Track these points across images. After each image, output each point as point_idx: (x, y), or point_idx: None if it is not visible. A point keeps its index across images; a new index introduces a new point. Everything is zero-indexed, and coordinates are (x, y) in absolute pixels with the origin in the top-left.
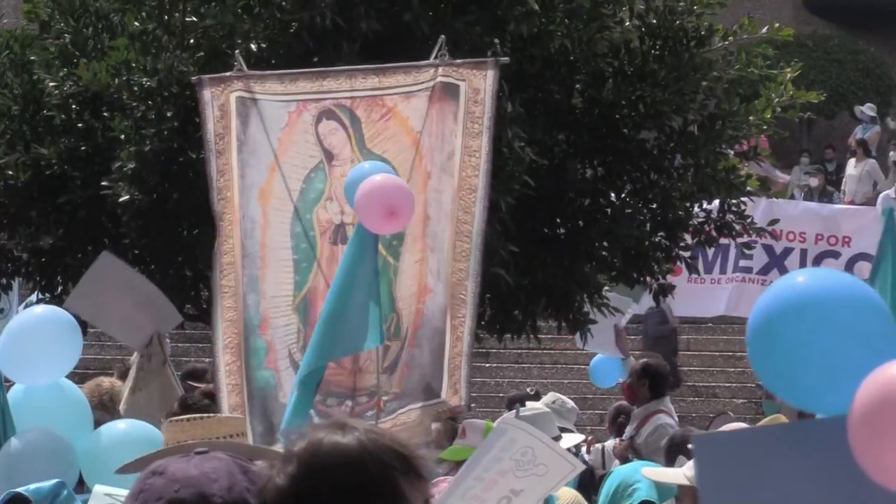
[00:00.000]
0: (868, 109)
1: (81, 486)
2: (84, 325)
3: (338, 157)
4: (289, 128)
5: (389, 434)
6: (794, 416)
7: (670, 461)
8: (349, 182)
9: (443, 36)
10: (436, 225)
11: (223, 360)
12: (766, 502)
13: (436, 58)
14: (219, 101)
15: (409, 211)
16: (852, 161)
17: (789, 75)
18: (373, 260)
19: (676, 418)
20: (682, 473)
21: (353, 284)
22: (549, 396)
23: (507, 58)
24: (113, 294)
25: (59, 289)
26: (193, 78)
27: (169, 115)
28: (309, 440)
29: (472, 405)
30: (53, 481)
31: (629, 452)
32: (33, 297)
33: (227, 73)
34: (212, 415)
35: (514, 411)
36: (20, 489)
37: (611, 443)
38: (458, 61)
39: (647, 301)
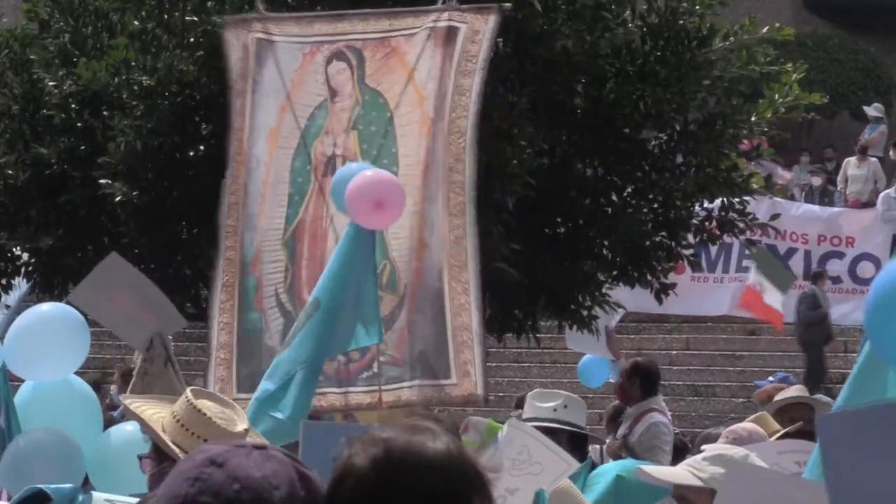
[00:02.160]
0: (874, 110)
1: (86, 486)
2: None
3: (340, 94)
4: (301, 69)
5: (470, 451)
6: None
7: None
8: (336, 182)
9: None
10: (433, 175)
11: (218, 299)
12: (892, 478)
13: (443, 2)
14: (241, 40)
15: (398, 203)
16: (852, 161)
17: (794, 76)
18: (369, 258)
19: (669, 416)
20: (689, 473)
21: (349, 283)
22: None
23: (509, 3)
24: (117, 293)
25: (59, 288)
26: (216, 18)
27: (169, 113)
28: (396, 433)
29: (490, 397)
30: (70, 486)
31: (623, 451)
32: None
33: (248, 15)
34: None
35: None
36: (43, 486)
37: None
38: (463, 6)
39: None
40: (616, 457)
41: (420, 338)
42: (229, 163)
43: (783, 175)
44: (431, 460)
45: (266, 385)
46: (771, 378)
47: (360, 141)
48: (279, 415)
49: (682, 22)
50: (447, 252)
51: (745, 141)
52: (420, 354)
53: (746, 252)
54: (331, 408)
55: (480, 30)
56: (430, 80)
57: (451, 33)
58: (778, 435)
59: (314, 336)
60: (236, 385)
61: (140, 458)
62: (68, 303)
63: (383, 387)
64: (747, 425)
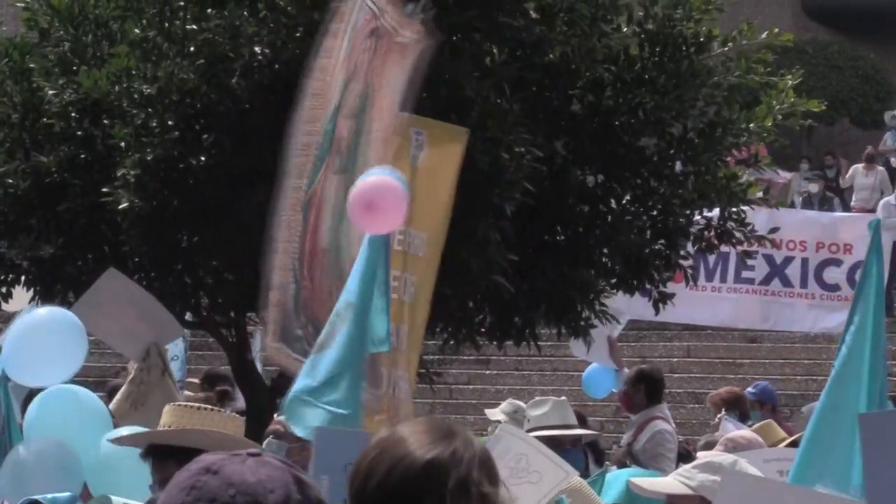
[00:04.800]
0: (893, 119)
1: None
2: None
3: (356, 74)
4: (360, 31)
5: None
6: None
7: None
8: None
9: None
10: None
11: (287, 218)
12: None
13: None
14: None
15: (391, 205)
16: (860, 168)
17: (790, 82)
18: (378, 265)
19: (673, 424)
20: (679, 482)
21: (370, 289)
22: (507, 405)
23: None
24: (115, 307)
25: (59, 297)
26: None
27: (171, 123)
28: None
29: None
30: (67, 494)
31: (627, 459)
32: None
33: None
34: (221, 410)
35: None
36: (38, 497)
37: None
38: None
39: None
40: (621, 464)
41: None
42: (308, 99)
43: (783, 176)
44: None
45: (307, 381)
46: (751, 388)
47: (350, 133)
48: (338, 409)
49: (679, 28)
50: None
51: (744, 148)
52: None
53: (745, 262)
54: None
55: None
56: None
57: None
58: (786, 443)
59: (351, 336)
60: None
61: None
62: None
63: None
64: (746, 433)
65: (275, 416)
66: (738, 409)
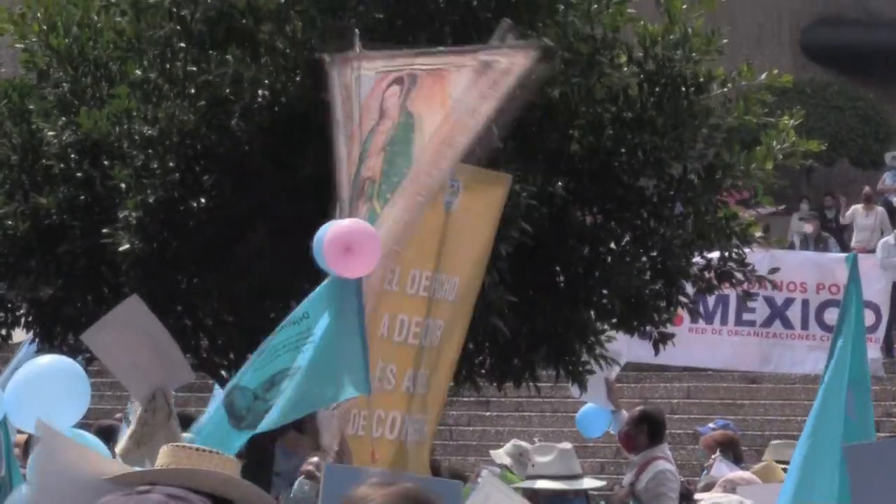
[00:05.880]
0: (892, 160)
1: None
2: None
3: (385, 116)
4: (369, 95)
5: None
6: None
7: None
8: (315, 241)
9: (507, 21)
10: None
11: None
12: None
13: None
14: (343, 79)
15: (369, 249)
16: (860, 209)
17: (791, 122)
18: (354, 308)
19: (674, 464)
20: None
21: (335, 338)
22: (511, 447)
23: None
24: (129, 338)
25: (59, 339)
26: (325, 56)
27: (171, 164)
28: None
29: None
30: None
31: (629, 499)
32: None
33: (350, 53)
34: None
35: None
36: None
37: None
38: (513, 43)
39: None
40: None
41: None
42: (340, 187)
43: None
44: None
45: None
46: (712, 425)
47: (385, 162)
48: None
49: (678, 68)
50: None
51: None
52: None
53: (745, 304)
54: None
55: (514, 63)
56: (462, 109)
57: (489, 66)
58: None
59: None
60: None
61: None
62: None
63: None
64: (745, 475)
65: (308, 458)
66: (732, 451)
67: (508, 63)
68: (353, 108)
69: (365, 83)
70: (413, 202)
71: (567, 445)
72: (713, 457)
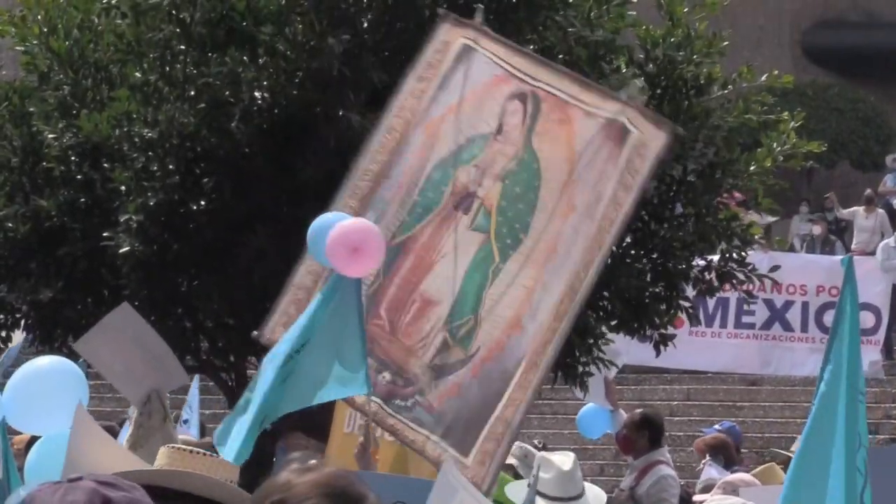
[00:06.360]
0: (894, 162)
1: None
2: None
3: (505, 135)
4: (486, 86)
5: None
6: None
7: None
8: (312, 232)
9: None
10: (559, 265)
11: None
12: None
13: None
14: (447, 36)
15: (376, 250)
16: (860, 211)
17: (792, 124)
18: (353, 306)
19: (674, 468)
20: None
21: (332, 335)
22: (517, 449)
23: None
24: (122, 345)
25: (59, 341)
26: (441, 11)
27: (171, 167)
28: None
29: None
30: None
31: (630, 503)
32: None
33: (467, 20)
34: (214, 455)
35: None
36: None
37: None
38: (646, 109)
39: None
40: None
41: (466, 403)
42: (380, 133)
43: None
44: None
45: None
46: (717, 427)
47: (501, 195)
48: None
49: (679, 71)
50: (534, 346)
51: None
52: (456, 419)
53: (745, 307)
54: (359, 407)
55: (650, 145)
56: (588, 171)
57: (623, 134)
58: None
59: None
60: None
61: None
62: (71, 352)
63: (410, 424)
64: (745, 476)
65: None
66: (724, 454)
67: (640, 139)
68: (440, 64)
69: (477, 62)
70: (563, 308)
71: (568, 463)
72: (703, 461)
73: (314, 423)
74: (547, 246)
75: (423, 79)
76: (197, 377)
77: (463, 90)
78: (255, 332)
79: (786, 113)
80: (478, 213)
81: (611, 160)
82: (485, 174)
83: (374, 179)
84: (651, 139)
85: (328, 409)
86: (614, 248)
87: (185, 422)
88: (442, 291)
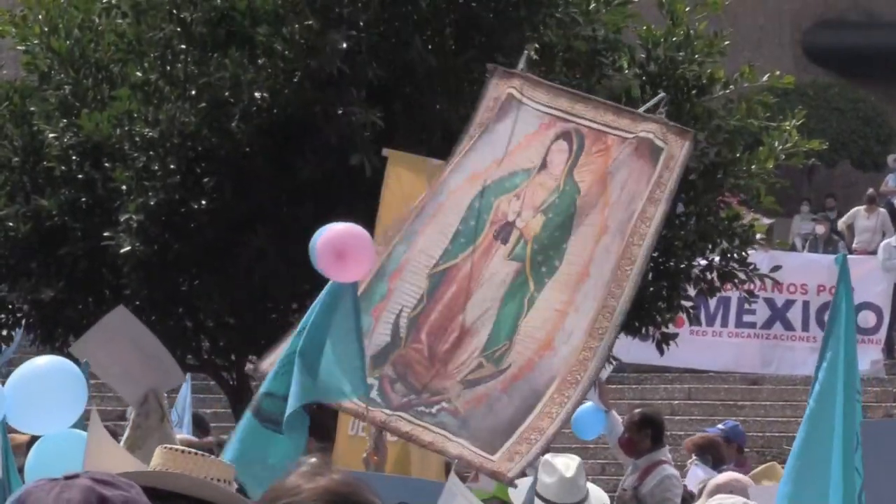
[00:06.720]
0: (894, 161)
1: None
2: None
3: (548, 170)
4: (533, 135)
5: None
6: None
7: None
8: (312, 241)
9: (664, 94)
10: (591, 287)
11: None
12: None
13: (654, 112)
14: (495, 92)
15: (362, 256)
16: (861, 211)
17: (793, 122)
18: (350, 312)
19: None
20: None
21: (327, 338)
22: None
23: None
24: (118, 346)
25: (60, 340)
26: (489, 66)
27: (172, 166)
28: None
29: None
30: None
31: (633, 503)
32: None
33: (513, 70)
34: (208, 455)
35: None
36: None
37: None
38: (669, 122)
39: None
40: None
41: (492, 413)
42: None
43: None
44: None
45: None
46: (721, 426)
47: (542, 228)
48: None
49: (680, 70)
50: (568, 365)
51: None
52: (479, 426)
53: (746, 307)
54: (371, 420)
55: (675, 156)
56: (622, 190)
57: (653, 150)
58: None
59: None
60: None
61: None
62: (69, 354)
63: (431, 427)
64: (741, 477)
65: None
66: (712, 454)
67: (668, 152)
68: (487, 120)
69: (524, 116)
70: (598, 326)
71: (572, 468)
72: (689, 461)
73: (314, 423)
74: (579, 270)
75: (471, 137)
76: (189, 376)
77: (509, 145)
78: (248, 367)
79: (787, 122)
80: (517, 244)
81: (642, 178)
82: (524, 204)
83: (405, 219)
84: (676, 150)
85: (328, 409)
86: None
87: (173, 422)
88: (480, 321)
